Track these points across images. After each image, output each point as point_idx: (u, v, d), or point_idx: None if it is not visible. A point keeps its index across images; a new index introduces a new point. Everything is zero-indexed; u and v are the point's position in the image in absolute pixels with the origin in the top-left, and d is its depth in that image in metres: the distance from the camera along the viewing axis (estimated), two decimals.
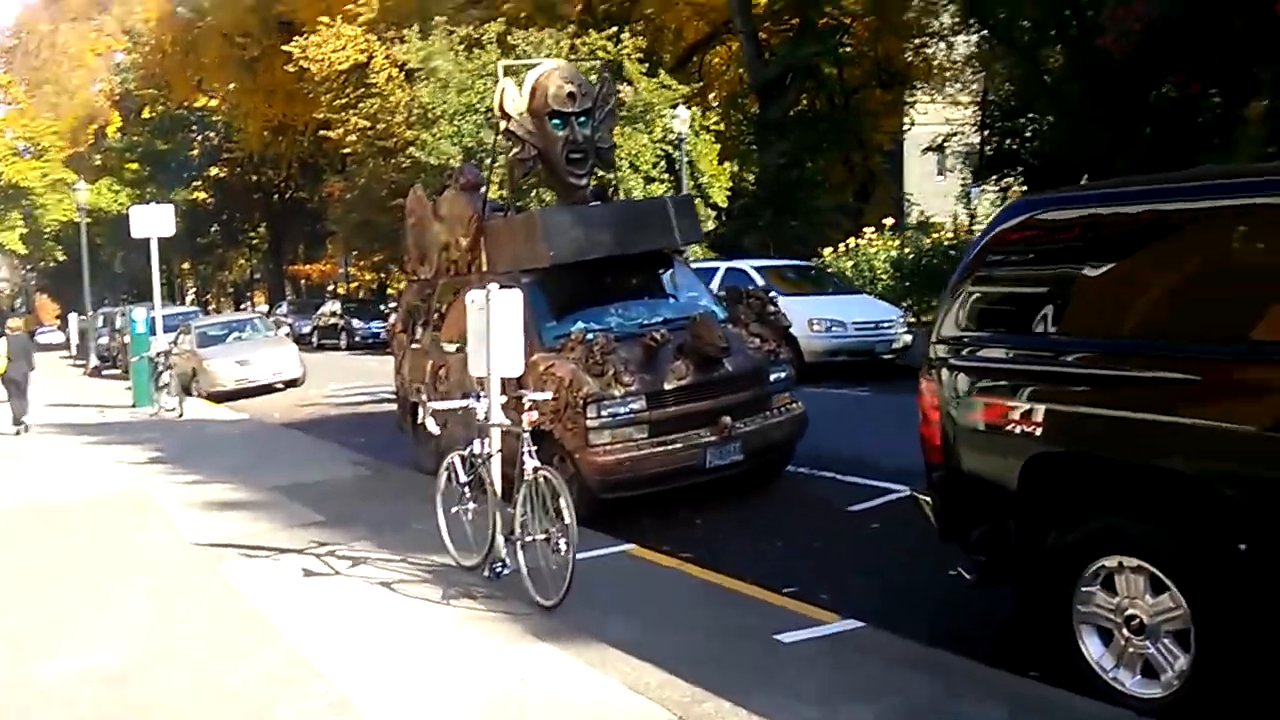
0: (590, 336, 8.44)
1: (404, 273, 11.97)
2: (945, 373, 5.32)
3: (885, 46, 33.92)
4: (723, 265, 16.98)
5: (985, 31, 34.27)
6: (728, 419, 8.33)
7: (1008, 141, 39.39)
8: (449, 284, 10.55)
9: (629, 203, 10.02)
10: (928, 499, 5.50)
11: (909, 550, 7.00)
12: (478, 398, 6.81)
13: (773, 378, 8.83)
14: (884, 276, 20.61)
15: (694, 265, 16.64)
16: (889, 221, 22.38)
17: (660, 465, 8.21)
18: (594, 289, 9.48)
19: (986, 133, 39.50)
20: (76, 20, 38.91)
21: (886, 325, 15.56)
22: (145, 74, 39.67)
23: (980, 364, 5.21)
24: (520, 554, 6.37)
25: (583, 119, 9.39)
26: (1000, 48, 35.24)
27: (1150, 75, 30.52)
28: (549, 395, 7.57)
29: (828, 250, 22.14)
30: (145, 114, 45.60)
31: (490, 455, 6.71)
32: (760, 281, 16.00)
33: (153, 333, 19.00)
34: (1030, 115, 38.36)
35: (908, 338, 15.81)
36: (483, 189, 10.20)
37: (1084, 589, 4.59)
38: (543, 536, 6.15)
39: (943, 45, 36.75)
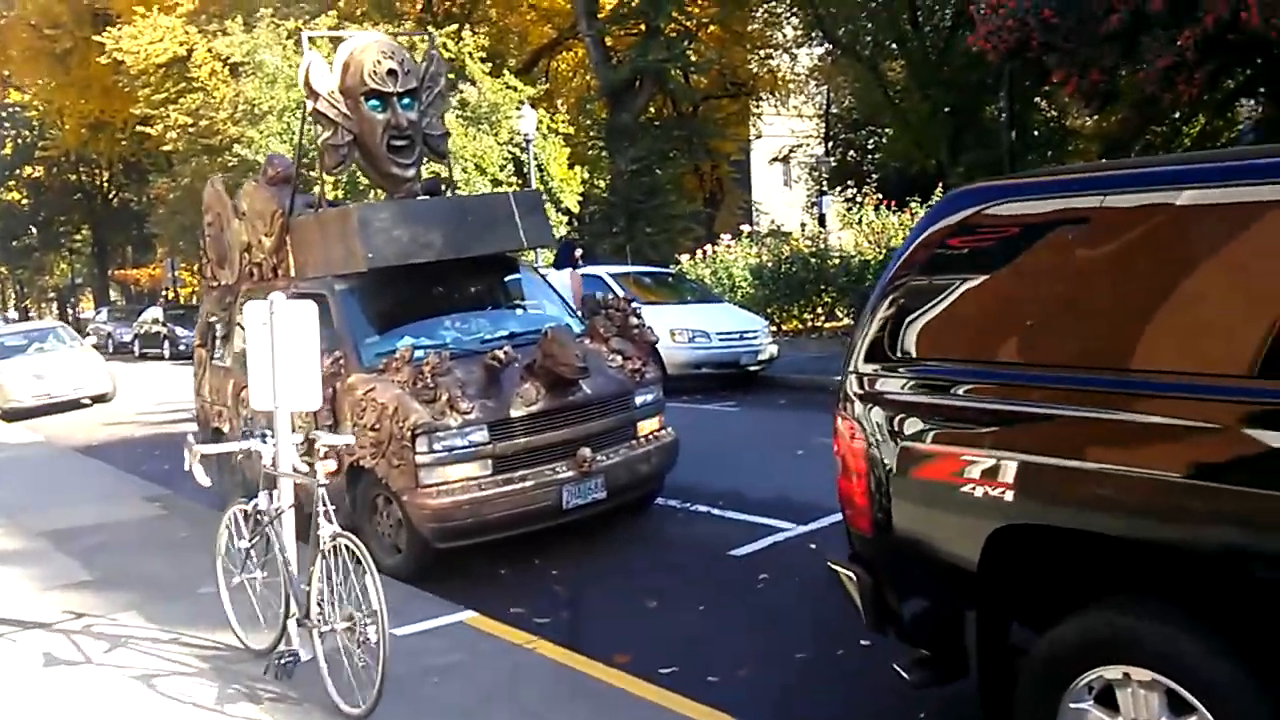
0: (420, 354, 6.86)
1: (202, 278, 10.06)
2: (872, 411, 3.95)
3: (731, 56, 33.29)
4: (579, 271, 15.50)
5: (829, 44, 34.26)
6: (587, 451, 6.86)
7: (850, 153, 39.61)
8: (252, 290, 8.78)
9: (465, 198, 8.48)
10: (850, 574, 4.07)
11: (811, 612, 5.67)
12: (263, 437, 5.17)
13: (639, 401, 7.40)
14: (744, 284, 19.48)
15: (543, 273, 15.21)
16: (746, 228, 21.35)
17: (508, 508, 6.68)
18: (425, 298, 7.92)
19: (831, 144, 39.54)
20: None
21: (751, 335, 14.32)
22: None
23: (921, 400, 3.85)
24: (318, 643, 4.77)
25: (406, 100, 7.78)
26: (843, 60, 35.28)
27: (997, 84, 30.96)
28: (350, 439, 5.93)
29: (685, 258, 20.92)
30: None
31: (281, 512, 5.08)
32: (616, 289, 14.58)
33: None
34: (872, 128, 38.71)
35: (773, 348, 14.63)
36: (292, 182, 8.49)
37: (1072, 705, 3.28)
38: (345, 625, 4.56)
39: (787, 57, 36.63)
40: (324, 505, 4.76)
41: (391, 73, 7.66)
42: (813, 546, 6.83)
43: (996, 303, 3.76)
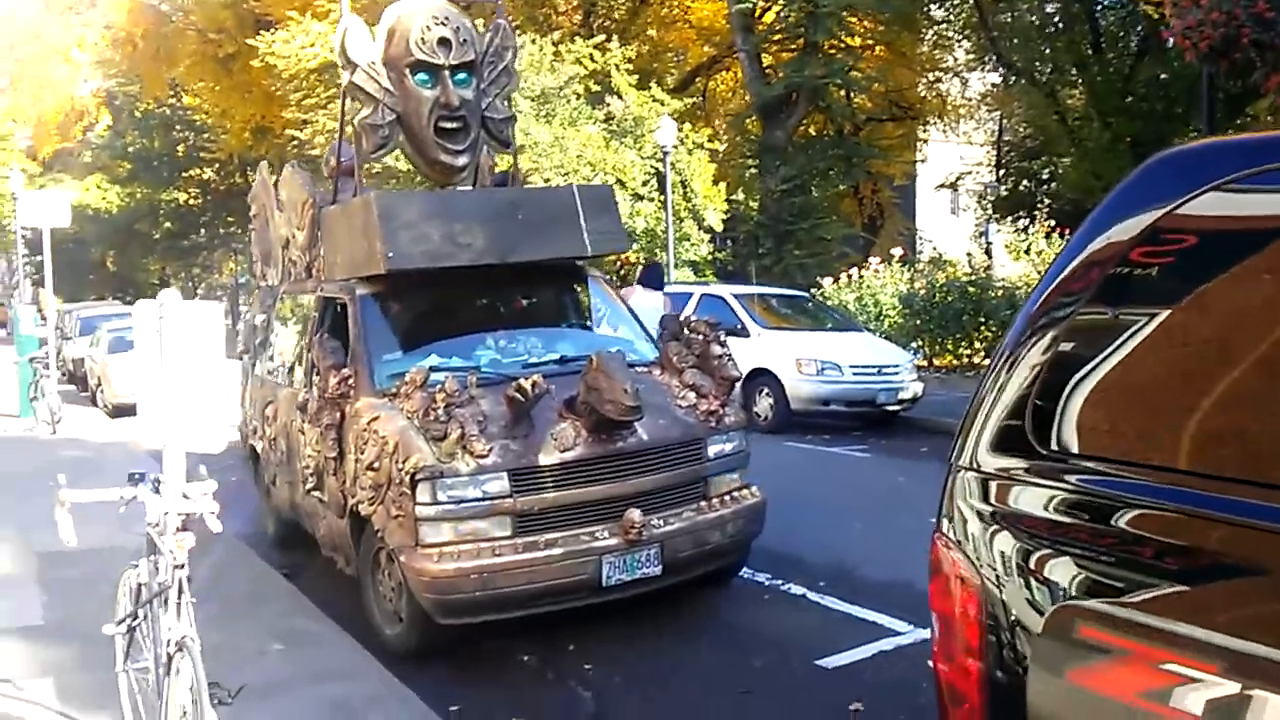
0: (438, 378, 5.40)
1: (253, 277, 8.90)
2: (1000, 542, 2.19)
3: (897, 78, 31.18)
4: (697, 290, 13.89)
5: (1003, 69, 31.97)
6: (637, 513, 5.25)
7: (1024, 183, 36.91)
8: (288, 291, 7.56)
9: (517, 190, 6.96)
10: None
11: None
12: (155, 484, 3.79)
13: (714, 451, 5.73)
14: (891, 313, 17.49)
15: (667, 290, 13.67)
16: (899, 252, 19.33)
17: (529, 580, 5.13)
18: (462, 310, 6.52)
19: (1002, 172, 36.94)
20: (63, 13, 36.03)
21: (891, 370, 12.39)
22: (117, 70, 36.89)
23: (1100, 540, 2.04)
24: None
25: (462, 75, 6.38)
26: (1018, 86, 32.86)
27: (1186, 114, 28.14)
28: (209, 501, 4.17)
29: (829, 281, 19.06)
30: (136, 113, 42.94)
31: (166, 588, 3.66)
32: (740, 311, 12.93)
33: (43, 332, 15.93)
34: (1047, 157, 36.01)
35: (917, 386, 12.64)
36: (357, 174, 7.18)
37: None
38: None
39: (957, 81, 34.44)
40: (178, 595, 3.31)
41: (444, 41, 6.27)
42: (931, 664, 5.02)
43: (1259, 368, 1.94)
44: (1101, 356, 2.11)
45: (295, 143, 29.15)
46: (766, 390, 12.32)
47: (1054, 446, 2.11)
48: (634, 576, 5.32)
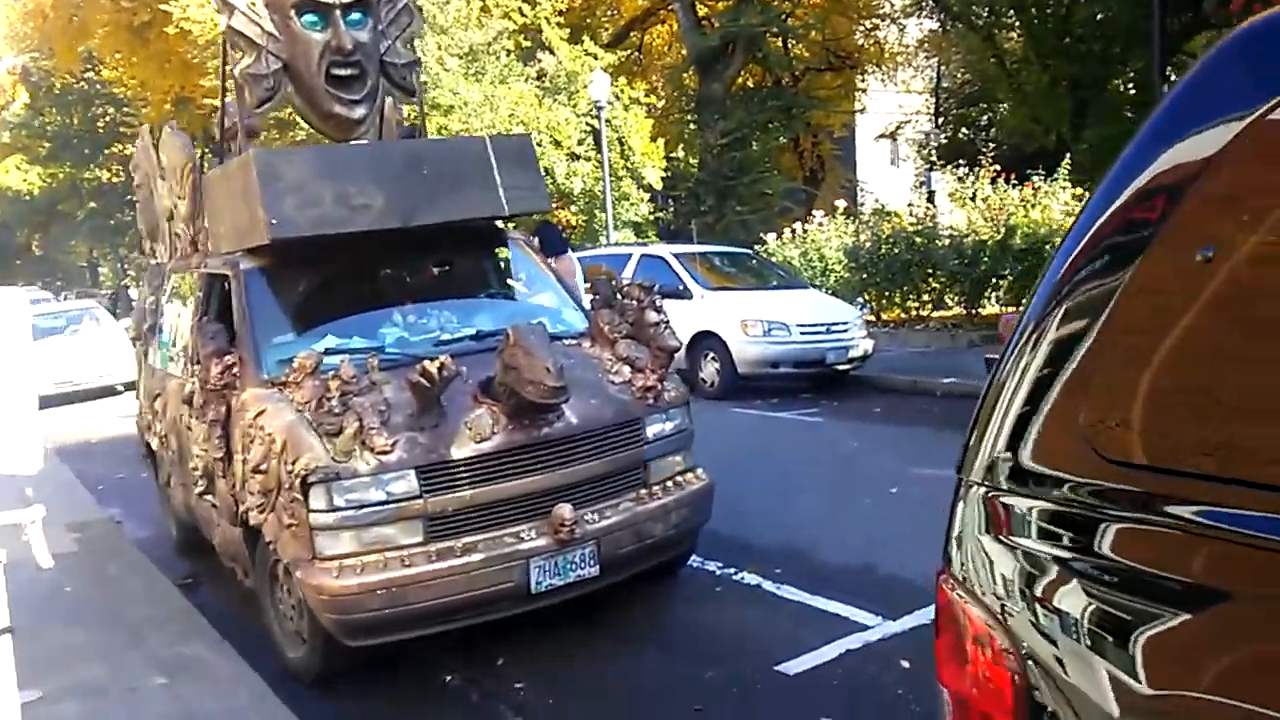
0: (332, 362, 4.65)
1: (141, 254, 8.02)
2: (1060, 597, 1.50)
3: (834, 26, 30.46)
4: (635, 251, 13.13)
5: (940, 14, 31.46)
6: (567, 509, 4.56)
7: (963, 130, 36.51)
8: (174, 269, 6.74)
9: (420, 142, 6.15)
10: None
11: None
12: None
13: (653, 432, 5.04)
14: (837, 268, 16.85)
15: (602, 251, 12.92)
16: (843, 204, 18.67)
17: (446, 593, 4.43)
18: (363, 283, 5.76)
19: (941, 120, 36.52)
20: None
21: (840, 327, 11.76)
22: (30, 44, 35.07)
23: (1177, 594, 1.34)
24: None
25: (356, 15, 5.56)
26: (955, 30, 32.36)
27: (1124, 54, 27.77)
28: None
29: (772, 237, 18.39)
30: (54, 89, 40.99)
31: None
32: (681, 272, 12.21)
33: None
34: (986, 103, 35.62)
35: (868, 343, 12.03)
36: (256, 135, 6.32)
37: None
38: None
39: (894, 28, 33.88)
40: None
41: None
42: (905, 664, 4.41)
43: None
44: (1177, 326, 1.43)
45: (217, 111, 27.90)
46: (712, 354, 11.66)
47: (1120, 455, 1.43)
48: (567, 580, 4.63)
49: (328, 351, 4.94)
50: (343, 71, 5.61)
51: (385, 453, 4.37)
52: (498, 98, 21.01)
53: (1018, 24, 29.49)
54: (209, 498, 5.52)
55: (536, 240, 10.35)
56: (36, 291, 27.95)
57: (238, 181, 5.28)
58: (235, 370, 5.03)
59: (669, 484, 5.08)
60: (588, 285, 7.87)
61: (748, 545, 6.06)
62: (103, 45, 31.14)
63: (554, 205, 23.12)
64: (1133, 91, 30.95)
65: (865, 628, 4.82)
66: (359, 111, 5.71)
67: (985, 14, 29.82)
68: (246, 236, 5.24)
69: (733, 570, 5.70)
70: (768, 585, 5.46)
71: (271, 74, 5.63)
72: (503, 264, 6.18)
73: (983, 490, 1.66)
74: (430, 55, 21.37)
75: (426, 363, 4.35)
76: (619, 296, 5.55)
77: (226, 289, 5.51)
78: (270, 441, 4.56)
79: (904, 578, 5.34)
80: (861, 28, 33.04)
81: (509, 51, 22.68)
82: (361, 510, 4.38)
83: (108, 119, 39.44)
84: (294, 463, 4.40)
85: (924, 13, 32.43)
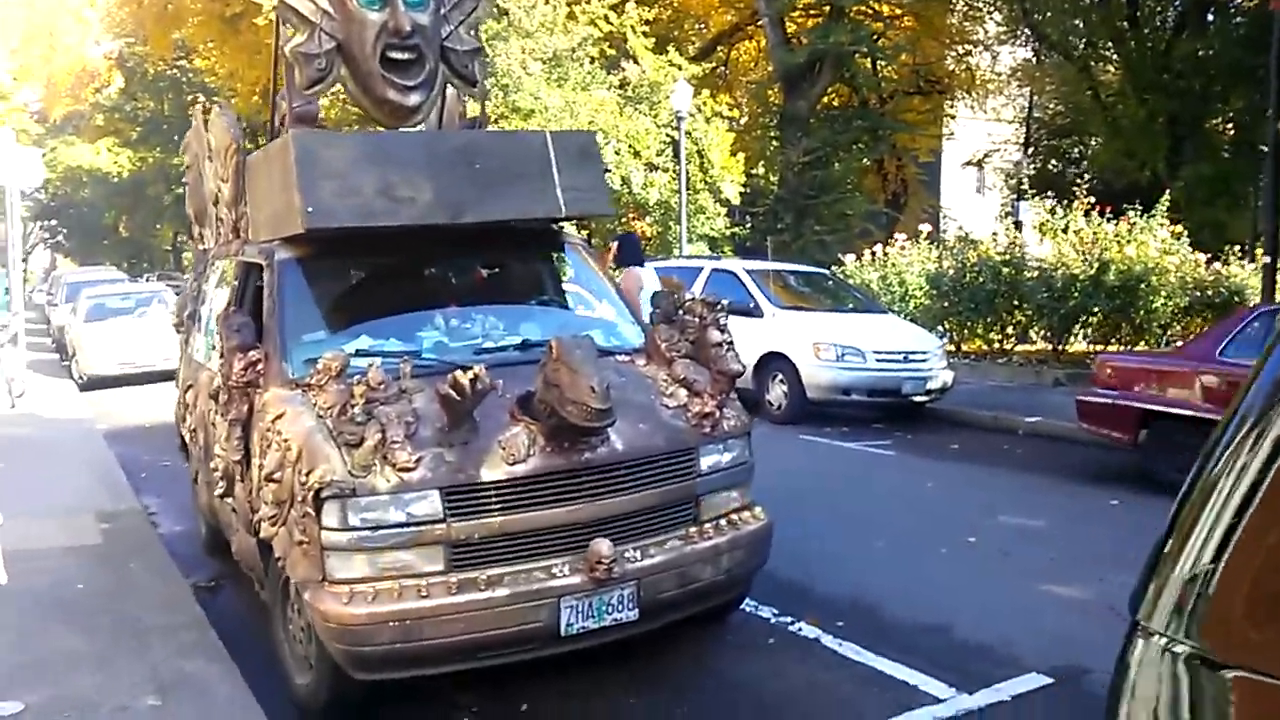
0: (360, 365, 4.21)
1: (190, 239, 7.72)
2: None
3: (924, 50, 29.69)
4: (707, 265, 12.60)
5: (1035, 43, 30.58)
6: (606, 545, 4.05)
7: (1052, 162, 35.44)
8: (216, 256, 6.40)
9: (475, 134, 5.70)
10: None
11: None
12: None
13: (707, 464, 4.52)
14: (918, 294, 16.14)
15: (672, 263, 12.42)
16: (927, 228, 17.95)
17: (467, 629, 3.95)
18: (406, 282, 5.31)
19: (1031, 150, 35.48)
20: None
21: (919, 356, 11.11)
22: (124, 30, 35.66)
23: None
24: None
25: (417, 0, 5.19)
26: (1051, 60, 31.43)
27: (1225, 93, 26.67)
28: None
29: (850, 259, 17.74)
30: (147, 75, 41.71)
31: None
32: (753, 289, 11.66)
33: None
34: (1078, 135, 34.54)
35: (947, 375, 11.35)
36: (316, 120, 5.95)
37: None
38: None
39: (987, 55, 33.02)
40: None
41: None
42: None
43: None
44: None
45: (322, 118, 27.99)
46: (780, 376, 11.08)
47: None
48: (602, 623, 4.12)
49: (359, 353, 4.52)
50: (399, 55, 5.19)
51: (408, 469, 3.92)
52: (578, 104, 20.67)
53: (1115, 56, 28.62)
54: (229, 500, 5.14)
55: (615, 247, 9.99)
56: (113, 272, 28.24)
57: (277, 165, 4.89)
58: (260, 367, 4.63)
59: (722, 522, 4.54)
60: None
61: (807, 591, 5.50)
62: (195, 34, 31.52)
63: (630, 216, 22.73)
64: (1231, 131, 29.83)
65: (936, 700, 4.24)
66: (414, 98, 5.29)
67: (1082, 45, 28.95)
68: (283, 224, 4.84)
69: (789, 620, 5.14)
70: (827, 640, 4.88)
71: (324, 53, 5.23)
72: (558, 270, 5.69)
73: (1176, 648, 1.12)
74: (514, 59, 21.14)
75: (458, 373, 3.89)
76: (680, 312, 5.05)
77: (260, 279, 5.12)
78: (286, 448, 4.13)
79: (982, 643, 4.75)
80: (953, 53, 32.27)
81: (593, 59, 22.36)
82: (378, 531, 3.92)
83: (198, 106, 39.94)
84: (308, 474, 3.96)
85: (1018, 41, 31.62)
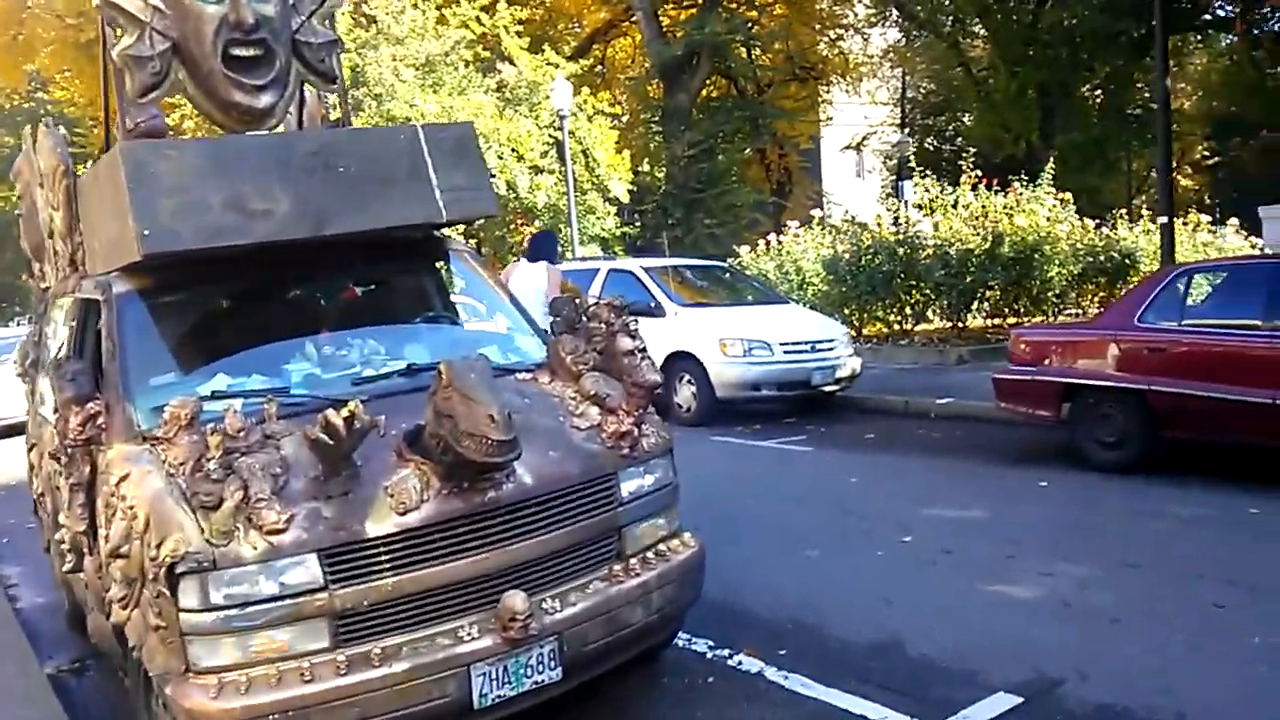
0: (215, 410, 3.55)
1: (30, 279, 6.89)
2: None
3: (798, 37, 29.68)
4: (603, 265, 12.04)
5: (905, 23, 30.86)
6: (519, 599, 3.47)
7: (928, 140, 35.88)
8: (54, 294, 5.62)
9: (336, 133, 5.03)
10: None
11: None
12: None
13: (629, 490, 3.96)
14: (815, 280, 15.88)
15: (566, 267, 11.84)
16: (819, 213, 17.73)
17: (365, 714, 3.32)
18: (268, 307, 4.63)
19: (907, 130, 35.86)
20: None
21: (826, 345, 10.74)
22: None
23: None
24: None
25: None
26: (921, 39, 31.78)
27: (1091, 59, 27.19)
28: None
29: (745, 250, 17.37)
30: (3, 109, 39.36)
31: None
32: (653, 287, 11.16)
33: None
34: (951, 113, 35.05)
35: (855, 362, 11.01)
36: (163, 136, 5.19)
37: None
38: None
39: (859, 39, 33.27)
40: None
41: None
42: None
43: None
44: None
45: (171, 131, 26.66)
46: (688, 377, 10.60)
47: None
48: (521, 689, 3.54)
49: (215, 395, 3.86)
50: (244, 52, 4.52)
51: (277, 531, 3.28)
52: (455, 109, 19.93)
53: (984, 31, 29.01)
54: (82, 575, 4.41)
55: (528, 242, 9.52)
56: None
57: (108, 185, 4.18)
58: (101, 421, 3.92)
59: (650, 555, 4.00)
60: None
61: (742, 616, 4.99)
62: (49, 64, 29.72)
63: (517, 221, 22.05)
64: (1100, 98, 30.52)
65: None
66: (265, 99, 4.62)
67: (950, 22, 29.26)
68: (119, 252, 4.13)
69: (727, 653, 4.61)
70: (771, 673, 4.37)
71: (157, 55, 4.52)
72: (444, 281, 5.06)
73: None
74: (385, 67, 20.30)
75: (329, 412, 3.26)
76: (584, 319, 4.48)
77: (95, 317, 4.40)
78: (132, 516, 3.45)
79: (936, 661, 4.30)
80: (826, 38, 32.39)
81: (467, 63, 21.64)
82: (247, 608, 3.28)
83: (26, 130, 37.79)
84: (158, 547, 3.30)
85: (888, 23, 31.91)
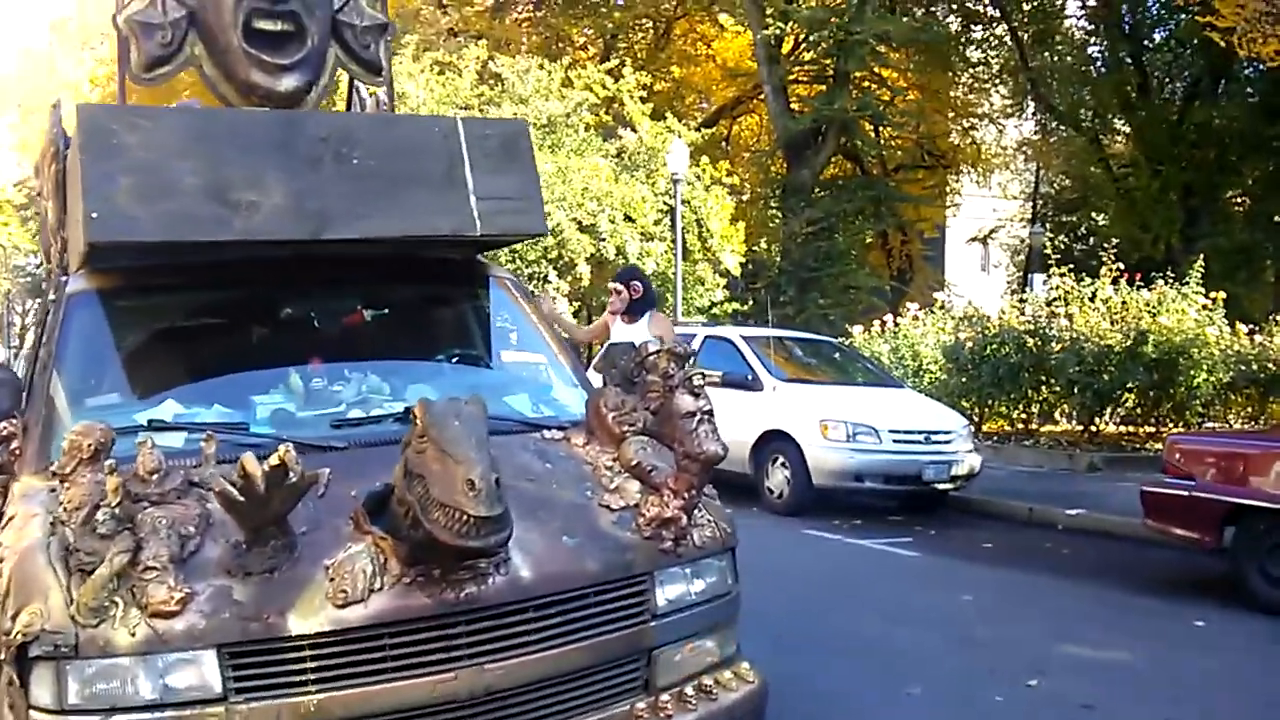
0: (128, 447, 2.67)
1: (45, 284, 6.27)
2: None
3: (929, 123, 28.65)
4: (700, 331, 11.06)
5: (1043, 114, 29.61)
6: None
7: (1060, 237, 34.25)
8: (49, 284, 4.91)
9: (352, 118, 4.19)
10: None
11: None
12: None
13: (665, 599, 2.93)
14: (933, 367, 14.59)
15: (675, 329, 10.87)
16: (942, 296, 16.50)
17: None
18: (255, 326, 3.80)
19: (1038, 226, 34.34)
20: (75, 49, 34.30)
21: (943, 438, 9.50)
22: None
23: None
24: None
25: None
26: (1058, 134, 30.46)
27: (1240, 162, 25.54)
28: None
29: (858, 330, 16.23)
30: None
31: None
32: (751, 358, 10.12)
33: None
34: (1085, 210, 33.42)
35: (974, 459, 9.73)
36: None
37: None
38: None
39: (992, 129, 32.08)
40: None
41: None
42: None
43: None
44: None
45: None
46: (782, 459, 9.47)
47: None
48: None
49: (152, 425, 2.99)
50: (269, 25, 3.76)
51: (165, 614, 2.36)
52: (571, 169, 19.39)
53: (1126, 127, 27.67)
54: None
55: (619, 284, 7.48)
56: None
57: (75, 163, 3.40)
58: (15, 445, 3.09)
59: (690, 690, 2.94)
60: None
61: None
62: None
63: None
64: (1246, 203, 28.71)
65: None
66: (288, 82, 3.83)
67: (1091, 116, 27.96)
68: (76, 243, 3.35)
69: None
70: None
71: (169, 24, 3.80)
72: (478, 312, 4.12)
73: None
74: None
75: (247, 457, 2.34)
76: (643, 371, 3.49)
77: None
78: (3, 574, 2.58)
79: None
80: (958, 127, 31.26)
81: (588, 125, 21.19)
82: (114, 717, 2.35)
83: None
84: (13, 619, 2.40)
85: (1024, 115, 30.70)
